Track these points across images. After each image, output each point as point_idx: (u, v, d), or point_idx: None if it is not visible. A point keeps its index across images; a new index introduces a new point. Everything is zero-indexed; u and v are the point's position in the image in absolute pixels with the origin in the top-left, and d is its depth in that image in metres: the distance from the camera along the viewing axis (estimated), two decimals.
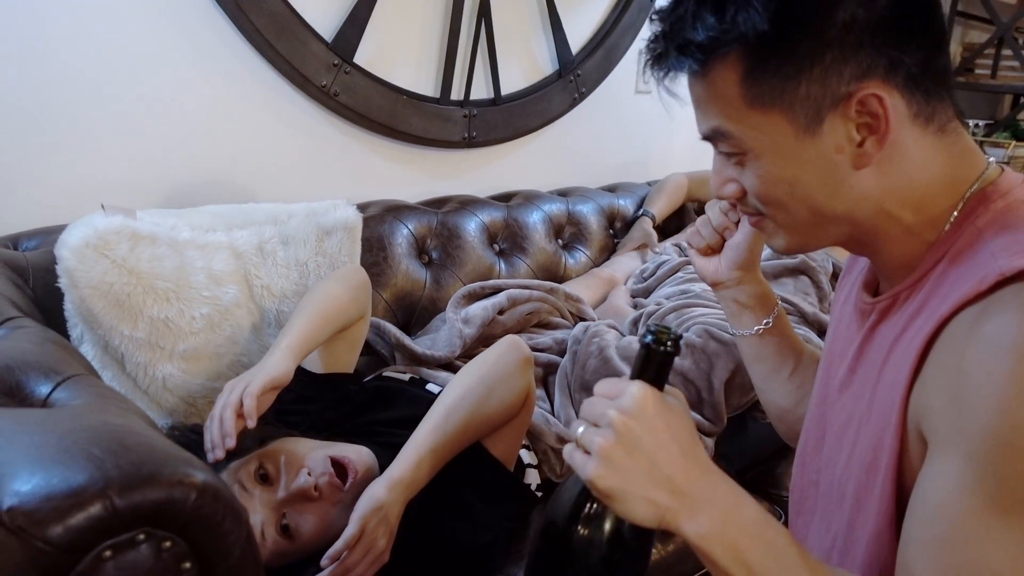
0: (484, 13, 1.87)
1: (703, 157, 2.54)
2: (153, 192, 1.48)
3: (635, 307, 1.79)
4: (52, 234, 1.23)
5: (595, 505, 0.63)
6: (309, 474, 1.05)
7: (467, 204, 1.84)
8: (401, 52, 1.78)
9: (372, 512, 1.00)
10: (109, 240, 1.16)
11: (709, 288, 1.57)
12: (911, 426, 0.65)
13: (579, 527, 0.62)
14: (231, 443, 1.02)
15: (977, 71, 3.58)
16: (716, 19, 0.66)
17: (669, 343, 0.61)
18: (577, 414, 1.38)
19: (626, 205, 2.18)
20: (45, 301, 1.18)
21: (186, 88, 1.49)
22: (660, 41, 0.70)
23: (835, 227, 0.71)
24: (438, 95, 1.86)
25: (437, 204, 1.82)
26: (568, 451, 0.63)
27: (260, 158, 1.62)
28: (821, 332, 1.65)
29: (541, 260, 1.91)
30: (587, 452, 0.61)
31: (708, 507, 0.60)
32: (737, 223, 0.91)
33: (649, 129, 2.44)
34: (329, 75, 1.63)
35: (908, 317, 0.69)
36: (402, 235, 1.68)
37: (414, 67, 1.81)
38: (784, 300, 1.65)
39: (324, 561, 0.98)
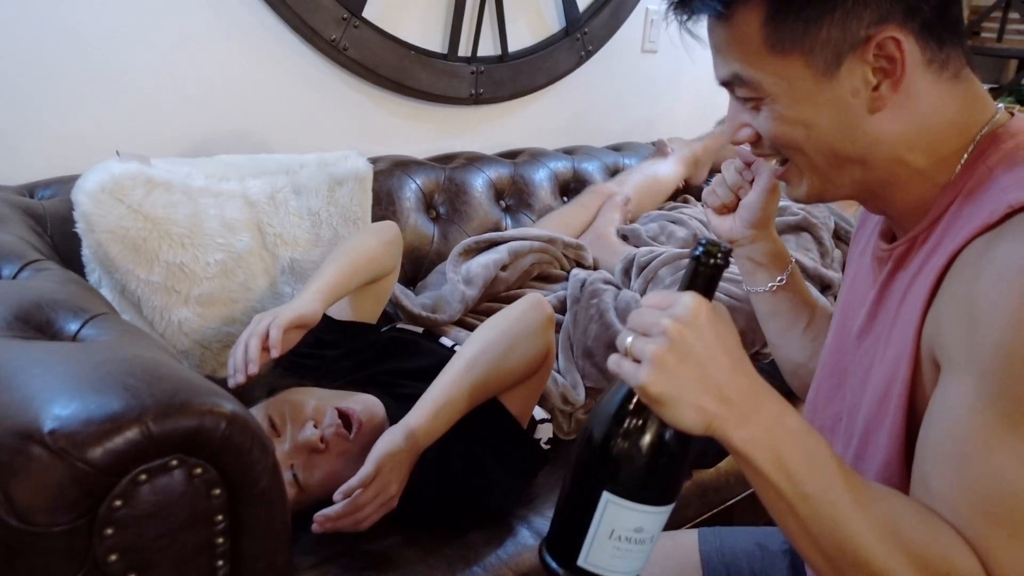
0: None
1: (707, 118, 2.56)
2: (165, 143, 1.49)
3: (623, 237, 1.81)
4: (67, 183, 1.25)
5: (637, 418, 0.64)
6: (316, 426, 1.07)
7: (474, 160, 1.86)
8: (409, 7, 1.78)
9: (389, 456, 1.02)
10: (124, 185, 1.18)
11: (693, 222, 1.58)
12: (925, 353, 0.67)
13: (621, 437, 0.63)
14: (254, 369, 1.04)
15: (983, 34, 3.56)
16: None
17: (719, 255, 0.62)
18: (583, 376, 1.42)
19: (631, 164, 2.19)
20: (62, 248, 1.20)
21: (197, 41, 1.49)
22: None
23: (850, 172, 0.73)
24: (446, 51, 1.86)
25: (445, 160, 1.83)
26: (615, 360, 0.63)
27: (270, 112, 1.63)
28: (823, 287, 1.68)
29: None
30: (636, 361, 0.62)
31: (754, 415, 0.62)
32: (751, 182, 0.93)
33: (655, 89, 2.44)
34: (338, 29, 1.64)
35: (924, 257, 0.71)
36: (410, 190, 1.69)
37: (422, 23, 1.81)
38: None
39: (337, 496, 1.01)
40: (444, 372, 1.12)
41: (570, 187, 2.04)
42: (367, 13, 1.68)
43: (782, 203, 1.95)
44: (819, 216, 1.85)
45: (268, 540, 0.77)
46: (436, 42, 1.85)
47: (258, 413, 1.08)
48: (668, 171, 2.08)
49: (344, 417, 1.09)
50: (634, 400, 0.64)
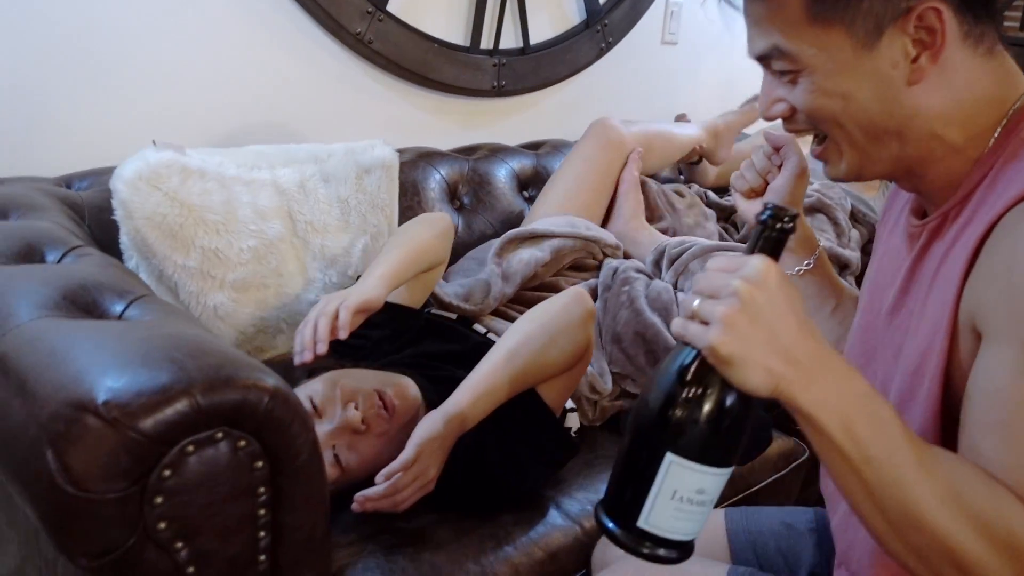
0: None
1: (728, 109, 2.56)
2: (196, 135, 1.52)
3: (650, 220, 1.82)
4: (103, 175, 1.28)
5: (702, 380, 0.64)
6: (356, 407, 1.09)
7: (497, 151, 1.88)
8: (432, 1, 1.80)
9: (429, 440, 1.04)
10: (161, 173, 1.21)
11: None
12: (964, 323, 0.68)
13: (684, 399, 0.64)
14: (322, 349, 1.07)
15: (1006, 23, 3.54)
16: None
17: (787, 219, 0.63)
18: (609, 362, 1.44)
19: None
20: (100, 237, 1.24)
21: (226, 35, 1.52)
22: None
23: (888, 146, 0.74)
24: (468, 44, 1.88)
25: (468, 151, 1.85)
26: (680, 324, 0.64)
27: (297, 103, 1.66)
28: (840, 267, 1.70)
29: None
30: (704, 323, 0.63)
31: (822, 377, 0.62)
32: (780, 166, 0.94)
33: (675, 81, 2.45)
34: (363, 22, 1.66)
35: (959, 229, 0.71)
36: (435, 180, 1.72)
37: (445, 16, 1.84)
38: None
39: (379, 478, 1.03)
40: (484, 361, 1.13)
41: None
42: (391, 7, 1.70)
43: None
44: (834, 197, 1.86)
45: (307, 513, 0.80)
46: (459, 35, 1.87)
47: (300, 394, 1.10)
48: (684, 130, 2.04)
49: (383, 400, 1.11)
50: (697, 362, 0.64)
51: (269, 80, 1.61)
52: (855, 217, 1.93)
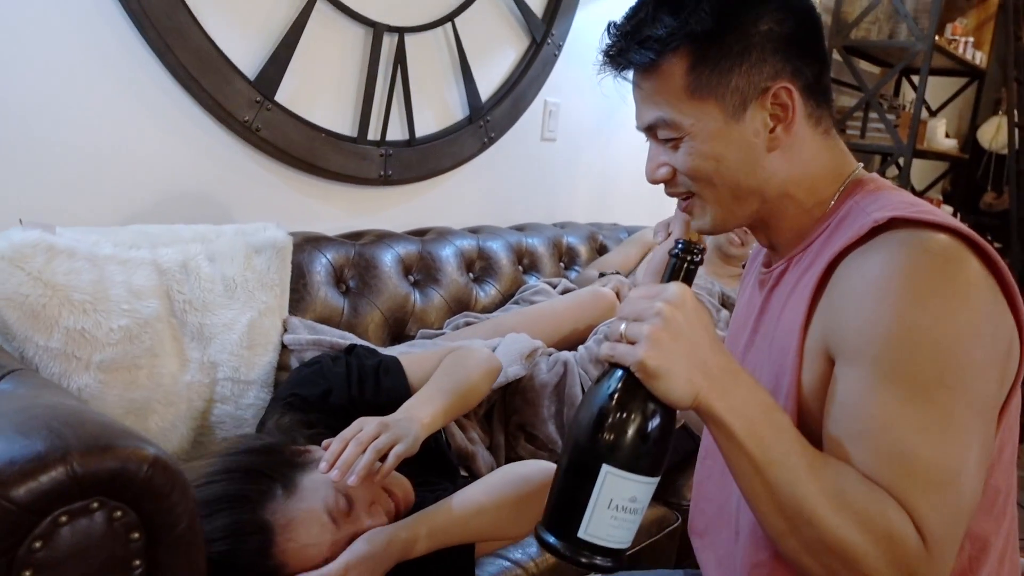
0: (400, 59, 1.99)
1: (605, 202, 2.73)
2: (73, 216, 1.50)
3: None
4: None
5: (631, 396, 0.72)
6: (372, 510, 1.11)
7: (383, 237, 1.93)
8: (321, 92, 1.87)
9: (364, 558, 1.04)
10: (25, 253, 1.19)
11: None
12: (812, 346, 0.79)
13: (616, 414, 0.71)
14: (354, 481, 1.03)
15: (848, 132, 3.93)
16: (673, 18, 0.82)
17: (696, 252, 0.74)
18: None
19: (534, 243, 2.30)
20: None
21: (109, 119, 1.53)
22: (621, 39, 0.86)
23: (749, 203, 0.87)
24: (355, 134, 1.95)
25: (355, 237, 1.89)
26: (608, 347, 0.72)
27: (182, 189, 1.67)
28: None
29: (454, 292, 2.01)
30: (631, 342, 0.71)
31: (733, 388, 0.71)
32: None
33: (554, 174, 2.59)
34: (251, 111, 1.70)
35: (801, 271, 0.85)
36: (321, 264, 1.74)
37: (333, 107, 1.90)
38: None
39: None
40: (453, 503, 1.14)
41: (475, 264, 2.13)
42: (279, 97, 1.76)
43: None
44: (701, 283, 2.02)
45: None
46: (346, 126, 1.94)
47: (328, 492, 1.08)
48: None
49: (394, 500, 1.15)
50: (625, 380, 0.72)
51: (155, 164, 1.61)
52: (724, 302, 2.09)
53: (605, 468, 0.71)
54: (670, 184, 0.90)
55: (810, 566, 0.71)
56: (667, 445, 0.74)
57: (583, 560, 0.73)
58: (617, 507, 0.72)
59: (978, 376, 0.72)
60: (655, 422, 0.72)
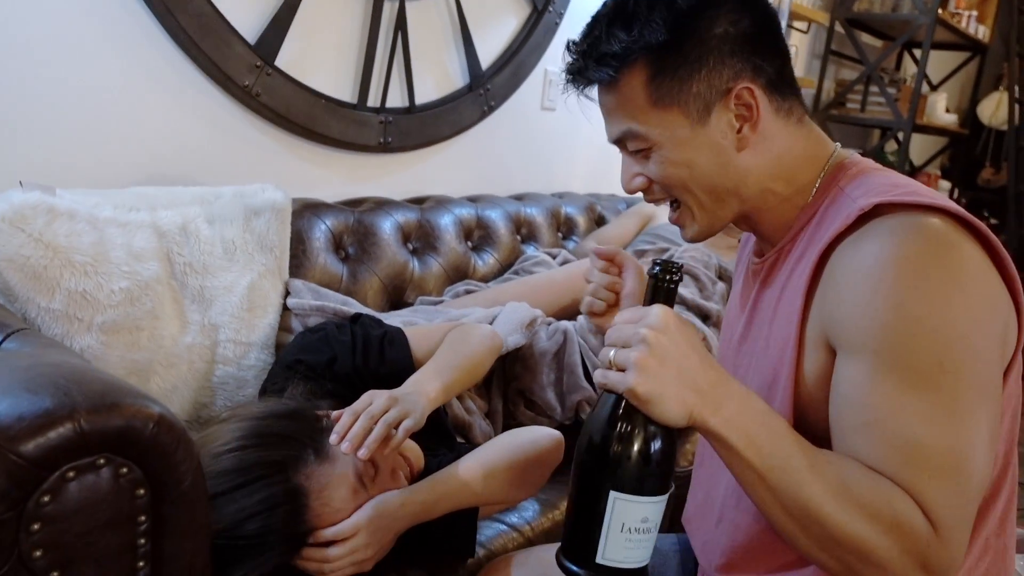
0: (401, 26, 1.98)
1: (603, 173, 2.73)
2: (74, 177, 1.50)
3: None
4: None
5: (628, 420, 0.73)
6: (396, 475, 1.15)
7: (382, 204, 1.93)
8: (321, 58, 1.86)
9: (375, 518, 1.07)
10: (25, 215, 1.19)
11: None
12: (812, 336, 0.80)
13: (617, 441, 0.72)
14: (365, 454, 1.05)
15: (848, 105, 3.92)
16: (626, 33, 0.83)
17: (675, 271, 0.75)
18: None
19: (532, 213, 2.31)
20: None
21: (109, 82, 1.53)
22: (580, 59, 0.87)
23: (729, 204, 0.88)
24: (355, 101, 1.94)
25: (354, 204, 1.90)
26: (600, 374, 0.73)
27: (181, 153, 1.67)
28: (703, 317, 1.85)
29: (452, 260, 2.01)
30: (620, 370, 0.72)
31: (726, 401, 0.72)
32: (620, 273, 0.99)
33: (554, 144, 2.59)
34: (251, 76, 1.70)
35: (794, 262, 0.85)
36: (320, 231, 1.75)
37: (333, 73, 1.90)
38: None
39: (310, 539, 1.05)
40: (463, 465, 1.17)
41: (474, 233, 2.13)
42: (279, 62, 1.75)
43: (664, 247, 2.14)
44: (698, 256, 2.03)
45: (188, 541, 0.81)
46: (346, 92, 1.93)
47: (352, 463, 1.10)
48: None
49: (410, 465, 1.18)
50: (623, 405, 0.73)
51: (155, 128, 1.61)
52: (721, 274, 2.10)
53: (613, 495, 0.72)
54: (648, 192, 0.91)
55: (826, 562, 0.72)
56: (671, 463, 0.74)
57: None
58: (630, 529, 0.72)
59: (979, 358, 0.72)
60: (656, 444, 0.72)
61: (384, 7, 1.92)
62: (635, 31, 0.82)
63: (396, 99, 2.04)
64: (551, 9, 2.34)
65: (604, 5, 0.86)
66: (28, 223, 1.19)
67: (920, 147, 4.76)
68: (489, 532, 1.31)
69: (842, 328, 0.76)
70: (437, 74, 2.14)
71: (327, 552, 1.04)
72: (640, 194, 0.92)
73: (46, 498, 0.68)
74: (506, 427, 1.52)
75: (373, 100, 1.98)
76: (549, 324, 1.70)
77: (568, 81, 0.89)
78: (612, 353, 0.73)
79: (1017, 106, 4.36)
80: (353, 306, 1.58)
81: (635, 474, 0.72)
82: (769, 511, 0.73)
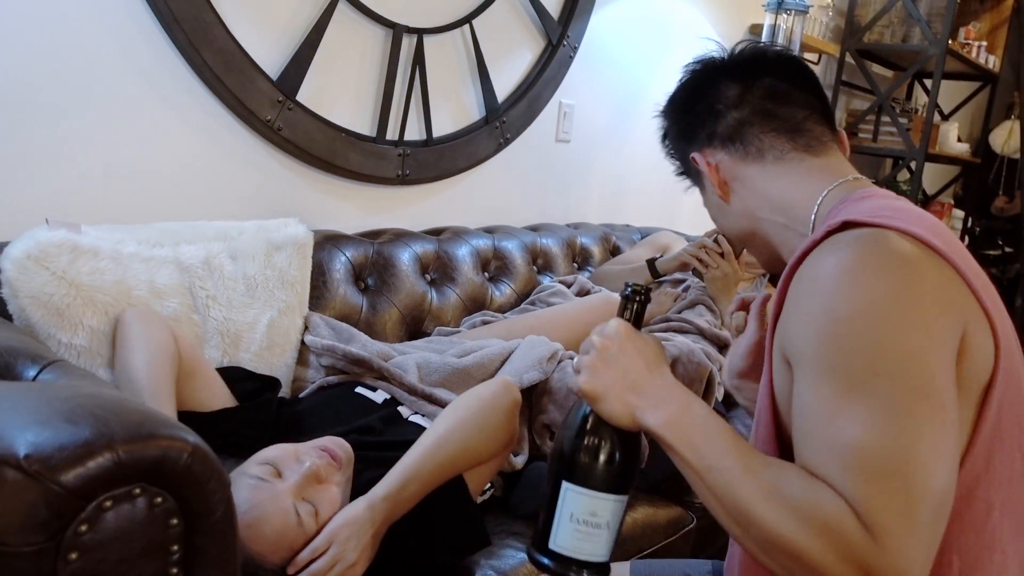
0: (419, 61, 2.01)
1: (617, 204, 2.75)
2: (98, 214, 1.53)
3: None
4: None
5: (584, 420, 0.83)
6: (306, 462, 1.10)
7: (401, 236, 1.95)
8: (341, 93, 1.90)
9: (343, 526, 1.06)
10: (50, 253, 1.22)
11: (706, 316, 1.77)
12: (776, 356, 0.82)
13: (573, 436, 0.82)
14: None
15: (860, 135, 3.94)
16: (663, 141, 1.08)
17: (642, 294, 0.86)
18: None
19: (548, 244, 2.33)
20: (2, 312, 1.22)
21: (134, 117, 1.56)
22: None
23: (754, 242, 1.01)
24: (374, 134, 1.98)
25: (373, 235, 1.92)
26: (570, 375, 0.79)
27: (205, 187, 1.70)
28: (719, 346, 1.88)
29: (469, 291, 2.03)
30: (578, 372, 0.83)
31: (665, 405, 0.79)
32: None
33: (568, 176, 2.61)
34: (273, 111, 1.73)
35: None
36: (340, 262, 1.77)
37: (353, 107, 1.93)
38: (684, 320, 1.98)
39: (290, 569, 1.04)
40: (416, 446, 1.17)
41: (491, 263, 2.15)
42: (301, 96, 1.79)
43: (680, 278, 2.20)
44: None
45: (219, 571, 0.81)
46: (365, 125, 1.96)
47: (254, 466, 1.09)
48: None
49: (327, 451, 1.14)
50: (581, 406, 0.83)
51: (178, 163, 1.64)
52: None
53: (565, 485, 0.81)
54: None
55: (771, 565, 0.71)
56: (624, 467, 0.81)
57: (555, 569, 0.81)
58: (579, 520, 0.80)
59: (917, 361, 0.70)
60: (605, 443, 0.81)
61: (403, 42, 1.96)
62: (666, 142, 1.08)
63: (414, 132, 2.07)
64: (565, 43, 2.38)
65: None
66: (52, 261, 1.21)
67: (933, 176, 4.77)
68: (511, 562, 1.30)
69: (790, 340, 0.78)
70: (454, 107, 2.17)
71: (312, 571, 1.04)
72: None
73: (84, 527, 0.69)
74: (531, 460, 1.51)
75: (391, 133, 2.01)
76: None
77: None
78: (575, 359, 0.85)
79: None
80: (363, 343, 1.58)
81: (584, 468, 0.81)
82: (714, 512, 0.76)
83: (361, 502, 1.09)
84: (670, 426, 0.77)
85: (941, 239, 0.77)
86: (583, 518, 0.79)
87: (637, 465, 0.84)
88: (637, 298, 0.85)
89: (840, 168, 0.93)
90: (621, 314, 0.86)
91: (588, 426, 0.82)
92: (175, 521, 0.76)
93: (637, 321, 0.85)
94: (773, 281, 2.30)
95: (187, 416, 1.22)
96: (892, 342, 0.70)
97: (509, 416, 1.25)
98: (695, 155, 0.99)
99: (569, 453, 0.81)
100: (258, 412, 1.33)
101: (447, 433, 1.19)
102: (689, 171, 1.04)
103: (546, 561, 0.81)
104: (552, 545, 0.81)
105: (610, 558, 0.83)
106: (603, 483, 0.80)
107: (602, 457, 0.81)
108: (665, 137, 1.07)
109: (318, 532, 1.07)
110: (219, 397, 1.32)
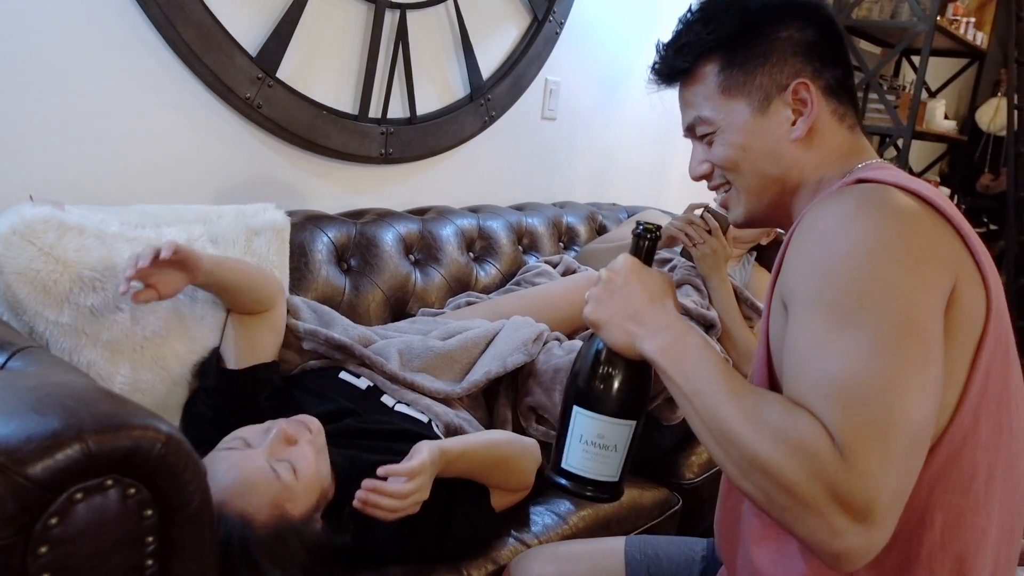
0: (402, 36, 1.98)
1: (604, 183, 2.72)
2: (78, 193, 1.49)
3: None
4: None
5: (594, 348, 0.89)
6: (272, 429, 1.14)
7: (384, 216, 1.93)
8: (322, 69, 1.86)
9: (432, 462, 1.12)
10: (36, 229, 1.19)
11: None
12: (775, 304, 0.85)
13: (583, 363, 0.89)
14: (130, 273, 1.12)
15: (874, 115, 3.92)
16: (704, 28, 0.96)
17: (652, 231, 0.91)
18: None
19: (534, 223, 2.30)
20: None
21: (110, 95, 1.52)
22: (664, 51, 0.99)
23: (771, 188, 0.96)
24: (357, 112, 1.94)
25: (356, 215, 1.89)
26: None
27: (183, 165, 1.66)
28: (705, 326, 1.87)
29: (454, 271, 2.01)
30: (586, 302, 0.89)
31: (662, 333, 0.84)
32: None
33: (554, 154, 2.59)
34: (253, 88, 1.69)
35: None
36: (322, 243, 1.74)
37: (334, 84, 1.89)
38: None
39: (380, 471, 1.08)
40: (478, 435, 1.33)
41: (476, 243, 2.13)
42: (281, 73, 1.75)
43: (667, 257, 2.14)
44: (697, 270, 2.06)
45: (195, 562, 0.80)
46: (347, 103, 1.93)
47: (233, 436, 1.15)
48: None
49: (293, 419, 1.18)
50: (590, 337, 0.90)
51: (156, 142, 1.61)
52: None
53: (575, 408, 0.88)
54: (709, 179, 1.01)
55: (748, 489, 0.74)
56: (631, 394, 0.88)
57: (572, 489, 0.88)
58: (587, 442, 0.87)
59: (905, 298, 0.73)
60: (612, 370, 0.87)
61: (385, 17, 1.92)
62: (712, 27, 0.95)
63: (397, 110, 2.04)
64: (551, 19, 2.34)
65: (689, 9, 0.98)
66: (39, 237, 1.19)
67: (919, 154, 4.76)
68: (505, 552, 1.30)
69: (788, 284, 0.81)
70: (438, 84, 2.14)
71: (400, 488, 1.07)
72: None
73: (53, 520, 0.67)
74: None
75: (374, 111, 1.97)
76: (561, 341, 1.69)
77: (652, 79, 1.00)
78: (588, 292, 0.90)
79: (1015, 112, 4.36)
80: (343, 330, 1.56)
81: (591, 392, 0.87)
82: (700, 436, 0.79)
83: (435, 445, 1.14)
84: (664, 352, 0.82)
85: (944, 203, 0.81)
86: (592, 440, 0.86)
87: (643, 394, 0.89)
88: (648, 235, 0.91)
89: (870, 150, 0.97)
90: (632, 252, 0.91)
91: (596, 355, 0.88)
92: (149, 512, 0.74)
93: (648, 258, 0.91)
94: (760, 258, 2.28)
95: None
96: (881, 279, 0.73)
97: (533, 466, 1.35)
98: (806, 82, 0.92)
99: (579, 380, 0.88)
100: (267, 372, 1.38)
101: (500, 442, 1.31)
102: (733, 88, 0.94)
103: (560, 480, 0.88)
104: (564, 465, 0.88)
105: (621, 478, 0.90)
106: (609, 408, 0.86)
107: (608, 384, 0.87)
108: (729, 42, 0.95)
109: (296, 488, 1.09)
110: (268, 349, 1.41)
